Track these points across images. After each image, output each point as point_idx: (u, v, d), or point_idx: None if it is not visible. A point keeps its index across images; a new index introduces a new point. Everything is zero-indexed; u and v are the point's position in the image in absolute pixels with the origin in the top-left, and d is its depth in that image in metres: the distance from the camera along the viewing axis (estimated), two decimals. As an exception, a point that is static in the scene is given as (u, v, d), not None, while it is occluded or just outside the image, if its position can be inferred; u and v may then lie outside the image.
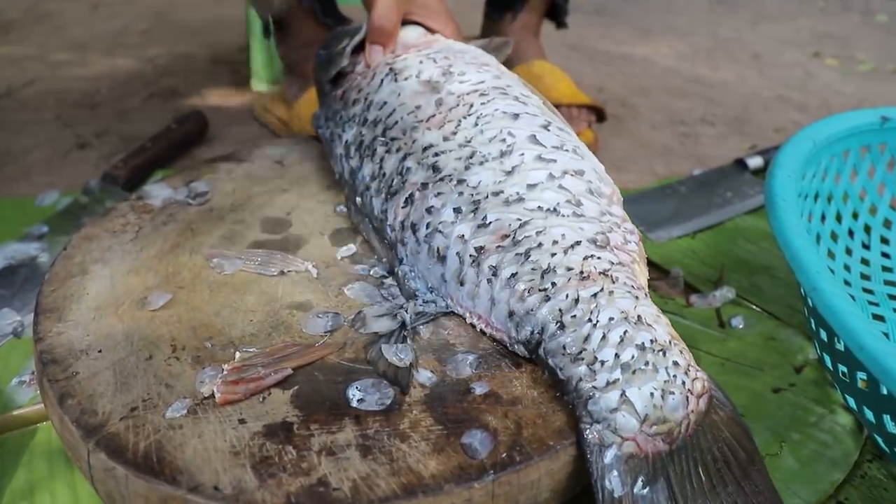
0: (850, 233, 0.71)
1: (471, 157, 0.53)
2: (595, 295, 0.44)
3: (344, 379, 0.45)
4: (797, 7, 1.97)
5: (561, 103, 0.98)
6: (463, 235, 0.50)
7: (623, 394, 0.41)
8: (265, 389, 0.44)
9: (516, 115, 0.55)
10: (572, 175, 0.51)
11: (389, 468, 0.39)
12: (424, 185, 0.53)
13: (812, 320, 0.56)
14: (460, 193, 0.51)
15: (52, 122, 1.09)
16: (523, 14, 1.07)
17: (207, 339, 0.48)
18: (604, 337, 0.43)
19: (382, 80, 0.64)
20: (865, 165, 0.71)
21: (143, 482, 0.39)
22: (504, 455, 0.40)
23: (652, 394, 0.41)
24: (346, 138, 0.64)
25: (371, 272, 0.56)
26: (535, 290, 0.46)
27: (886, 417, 0.49)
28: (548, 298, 0.45)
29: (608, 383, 0.41)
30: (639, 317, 0.44)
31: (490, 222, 0.49)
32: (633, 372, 0.41)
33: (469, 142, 0.54)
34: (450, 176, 0.53)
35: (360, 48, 0.71)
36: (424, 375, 0.46)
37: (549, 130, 0.55)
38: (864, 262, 0.70)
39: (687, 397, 0.42)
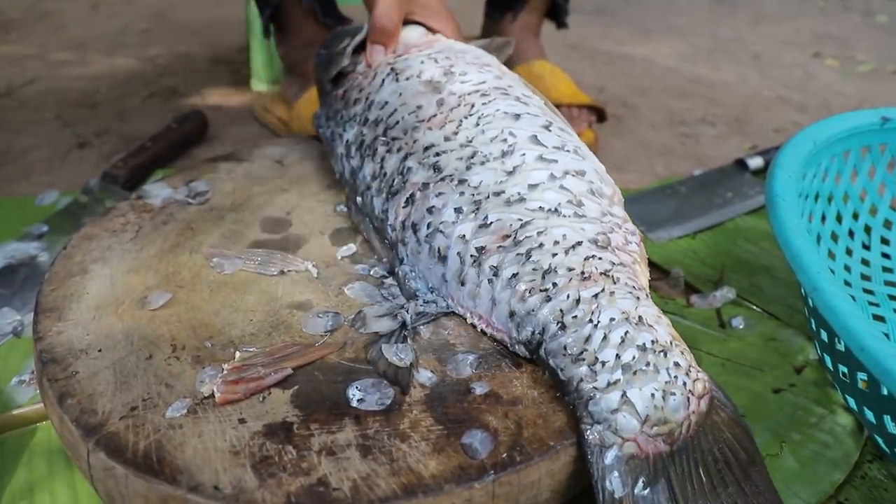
0: (851, 233, 0.71)
1: (472, 157, 0.53)
2: (596, 295, 0.44)
3: (344, 379, 0.45)
4: (797, 7, 1.97)
5: (561, 103, 0.98)
6: (464, 235, 0.50)
7: (624, 394, 0.41)
8: (265, 389, 0.44)
9: (517, 116, 0.55)
10: (574, 175, 0.51)
11: (389, 468, 0.39)
12: (425, 185, 0.53)
13: (812, 321, 0.56)
14: (461, 193, 0.51)
15: (52, 121, 1.09)
16: (524, 14, 1.07)
17: (207, 339, 0.48)
18: (605, 337, 0.43)
19: (384, 80, 0.64)
20: (866, 166, 0.71)
21: (142, 482, 0.38)
22: (504, 455, 0.40)
23: (653, 395, 0.41)
24: (346, 138, 0.64)
25: (371, 272, 0.56)
26: (536, 291, 0.46)
27: (887, 418, 0.49)
28: (549, 299, 0.45)
29: (609, 384, 0.41)
30: (640, 317, 0.44)
31: (491, 222, 0.49)
32: (634, 373, 0.41)
33: (470, 142, 0.54)
34: (451, 176, 0.53)
35: (360, 48, 0.71)
36: (425, 375, 0.46)
37: (550, 131, 0.55)
38: (865, 262, 0.70)
39: (688, 398, 0.42)
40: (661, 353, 0.42)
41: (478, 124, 0.55)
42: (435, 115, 0.58)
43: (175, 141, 0.96)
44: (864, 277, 0.69)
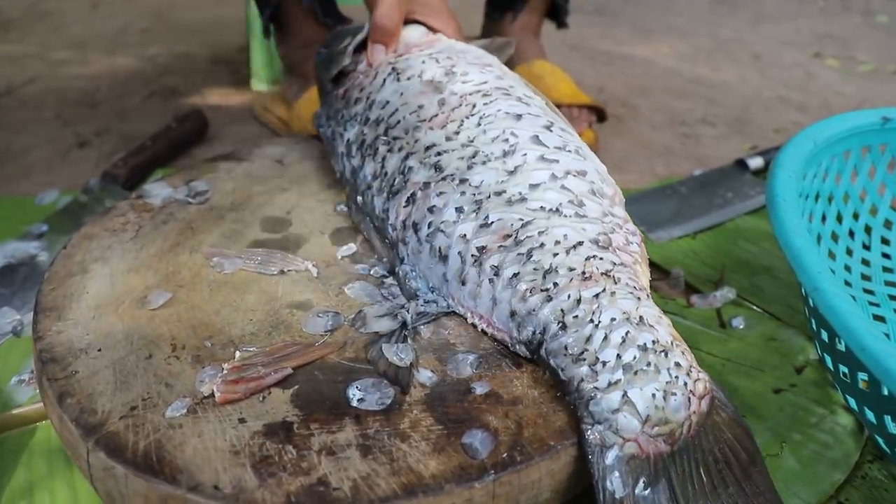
0: (851, 233, 0.71)
1: (473, 157, 0.53)
2: (597, 295, 0.44)
3: (344, 378, 0.45)
4: (797, 7, 1.97)
5: (562, 103, 0.97)
6: (465, 235, 0.50)
7: (625, 395, 0.41)
8: (265, 389, 0.44)
9: (519, 116, 0.55)
10: (575, 175, 0.51)
11: (390, 468, 0.39)
12: (426, 185, 0.53)
13: (813, 321, 0.56)
14: (462, 193, 0.51)
15: (52, 120, 1.09)
16: (524, 14, 1.06)
17: (207, 339, 0.48)
18: (605, 338, 0.43)
19: (385, 80, 0.64)
20: (866, 166, 0.71)
21: (142, 481, 0.38)
22: (505, 455, 0.40)
23: (654, 395, 0.41)
24: (347, 137, 0.64)
25: (371, 271, 0.56)
26: (536, 291, 0.46)
27: (887, 418, 0.49)
28: (550, 299, 0.45)
29: (610, 384, 0.41)
30: (641, 318, 0.44)
31: (492, 222, 0.49)
32: (635, 373, 0.41)
33: (472, 141, 0.54)
34: (452, 175, 0.53)
35: (361, 47, 0.71)
36: (425, 375, 0.46)
37: (551, 131, 0.55)
38: (865, 262, 0.70)
39: (689, 398, 0.41)
40: (662, 354, 0.42)
41: (479, 124, 0.55)
42: (436, 115, 0.57)
43: (175, 140, 0.96)
44: (865, 277, 0.69)
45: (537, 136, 0.54)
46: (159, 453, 0.40)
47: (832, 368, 0.55)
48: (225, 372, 0.44)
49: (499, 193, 0.50)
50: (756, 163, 0.92)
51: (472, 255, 0.49)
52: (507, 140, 0.53)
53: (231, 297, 0.52)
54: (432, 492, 0.38)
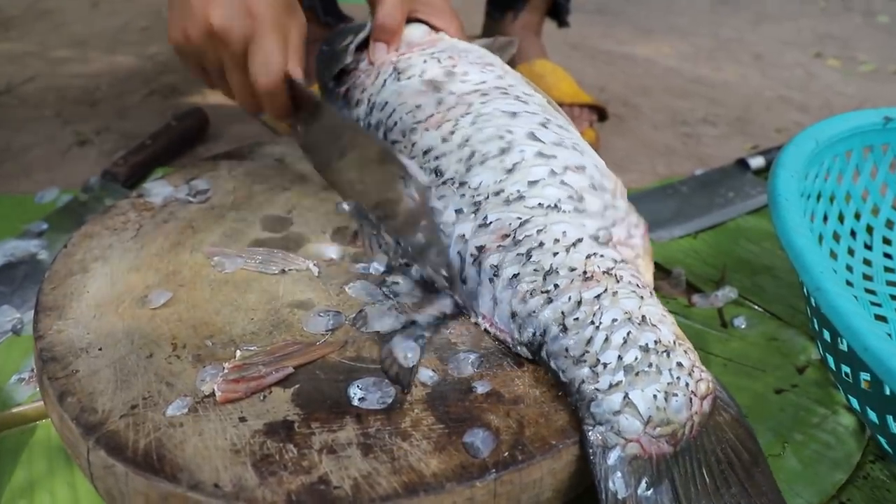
0: (853, 233, 0.71)
1: (471, 158, 0.53)
2: (598, 296, 0.44)
3: (345, 377, 0.45)
4: (798, 7, 1.96)
5: (563, 102, 0.97)
6: (463, 235, 0.50)
7: (626, 396, 0.40)
8: (266, 388, 0.44)
9: (514, 114, 0.55)
10: (574, 171, 0.51)
11: (391, 467, 0.39)
12: (427, 189, 0.53)
13: (815, 320, 0.56)
14: (462, 196, 0.51)
15: (52, 119, 1.09)
16: (525, 13, 1.06)
17: (208, 338, 0.48)
18: (606, 339, 0.42)
19: (386, 81, 0.63)
20: (868, 166, 0.71)
21: (142, 479, 0.38)
22: (506, 454, 0.40)
23: (655, 396, 0.41)
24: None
25: (372, 271, 0.56)
26: (537, 292, 0.45)
27: (889, 418, 0.49)
28: (550, 300, 0.45)
29: (611, 385, 0.41)
30: (643, 317, 0.44)
31: (490, 222, 0.49)
32: (637, 374, 0.41)
33: (467, 141, 0.54)
34: (452, 179, 0.53)
35: (363, 45, 0.71)
36: (426, 374, 0.46)
37: (547, 128, 0.54)
38: (867, 262, 0.70)
39: (690, 399, 0.41)
40: (664, 354, 0.42)
41: (474, 122, 0.55)
42: (432, 115, 0.57)
43: (175, 139, 0.96)
44: (867, 277, 0.69)
45: (533, 133, 0.53)
46: (160, 452, 0.39)
47: (834, 368, 0.55)
48: (226, 371, 0.44)
49: (497, 193, 0.50)
50: (757, 162, 0.92)
51: (471, 255, 0.49)
52: (502, 137, 0.53)
53: (232, 297, 0.52)
54: (433, 490, 0.38)
